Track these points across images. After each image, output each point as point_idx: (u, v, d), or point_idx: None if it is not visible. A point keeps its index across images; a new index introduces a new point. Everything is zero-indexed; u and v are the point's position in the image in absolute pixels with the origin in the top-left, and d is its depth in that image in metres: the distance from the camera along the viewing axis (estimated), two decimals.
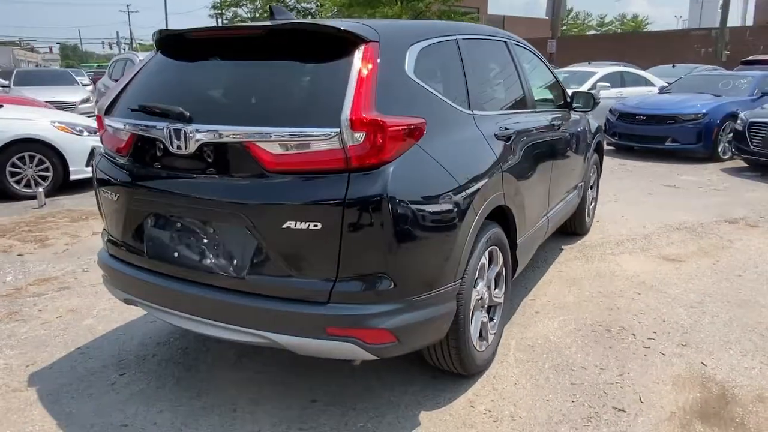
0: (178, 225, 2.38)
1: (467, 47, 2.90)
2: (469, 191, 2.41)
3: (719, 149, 9.05)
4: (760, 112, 8.01)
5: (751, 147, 7.86)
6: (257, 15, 31.83)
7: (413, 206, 2.12)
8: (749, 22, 44.14)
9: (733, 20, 23.12)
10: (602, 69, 11.86)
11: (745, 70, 12.45)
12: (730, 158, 9.08)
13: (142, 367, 2.93)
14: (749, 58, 13.96)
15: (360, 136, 2.02)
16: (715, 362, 2.97)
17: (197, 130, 2.18)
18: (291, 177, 2.11)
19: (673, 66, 15.54)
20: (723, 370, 2.89)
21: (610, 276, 4.18)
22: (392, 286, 2.12)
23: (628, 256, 4.62)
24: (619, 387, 2.74)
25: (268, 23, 2.42)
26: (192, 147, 2.20)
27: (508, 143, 2.93)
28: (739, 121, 8.23)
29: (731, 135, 8.91)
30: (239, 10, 32.24)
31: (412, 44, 2.45)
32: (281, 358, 2.95)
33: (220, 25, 31.85)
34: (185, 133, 2.19)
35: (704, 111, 8.96)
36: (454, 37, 2.82)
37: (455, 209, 2.32)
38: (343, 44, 2.20)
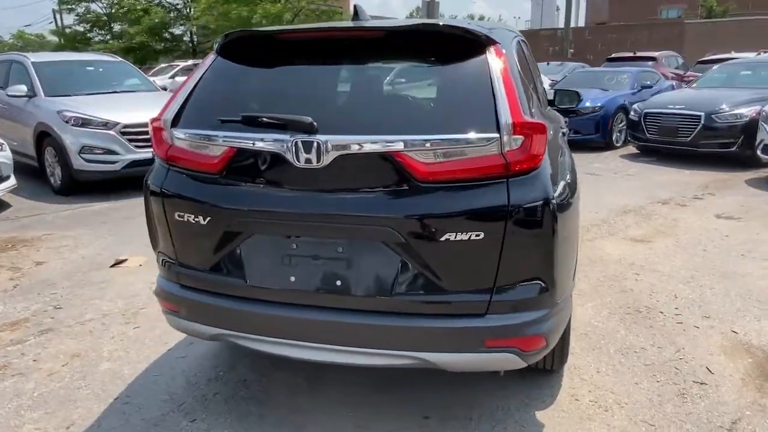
0: (294, 246, 2.14)
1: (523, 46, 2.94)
2: (577, 190, 2.45)
3: (613, 138, 10.04)
4: (652, 103, 9.01)
5: (647, 135, 8.81)
6: (113, 11, 29.08)
7: (564, 208, 2.11)
8: (581, 23, 49.21)
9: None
10: None
11: (610, 66, 13.92)
12: (623, 145, 10.11)
13: (210, 409, 2.60)
14: (614, 55, 15.58)
15: (518, 140, 1.97)
16: (742, 329, 3.31)
17: (332, 142, 1.98)
18: (444, 186, 1.99)
19: (548, 63, 16.92)
20: (752, 335, 3.24)
21: (601, 261, 4.47)
22: (545, 291, 2.09)
23: (602, 241, 4.97)
24: (684, 362, 2.95)
25: (383, 24, 2.26)
26: (327, 160, 1.99)
27: (565, 140, 3.02)
28: (633, 112, 9.19)
29: (623, 125, 9.94)
30: (92, 6, 29.22)
31: (511, 41, 2.44)
32: (359, 377, 2.78)
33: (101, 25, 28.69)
34: (318, 145, 1.98)
35: (600, 104, 9.87)
36: (517, 37, 2.84)
37: (578, 209, 2.35)
38: (470, 45, 2.12)
